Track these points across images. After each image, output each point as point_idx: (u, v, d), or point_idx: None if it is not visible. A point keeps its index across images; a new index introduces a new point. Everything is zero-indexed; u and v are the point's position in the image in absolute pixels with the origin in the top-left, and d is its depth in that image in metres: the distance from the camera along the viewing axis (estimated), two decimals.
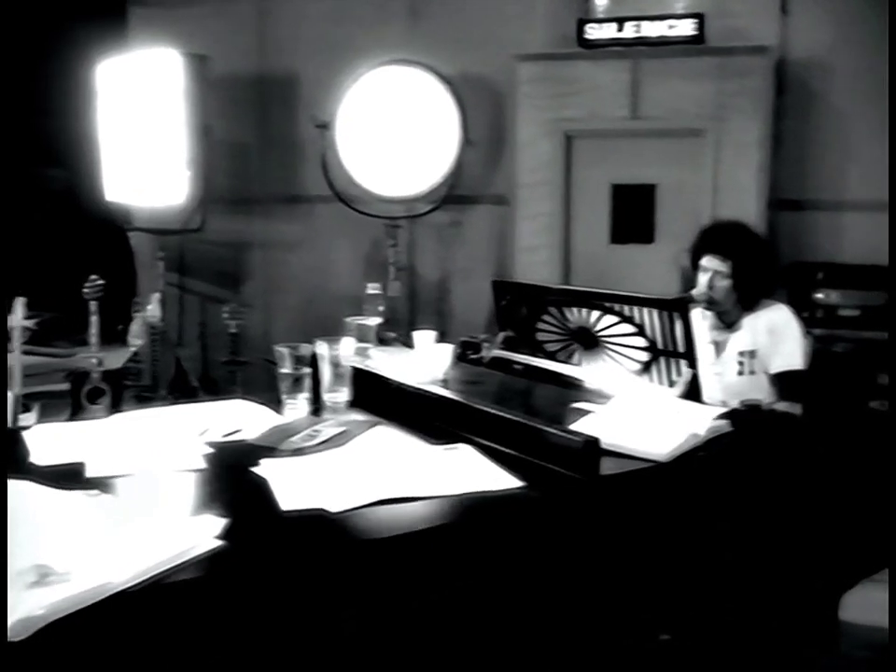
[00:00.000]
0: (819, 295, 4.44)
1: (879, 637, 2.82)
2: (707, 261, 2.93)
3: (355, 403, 2.14)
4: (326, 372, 2.16)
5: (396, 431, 1.94)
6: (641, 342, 2.28)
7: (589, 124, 4.72)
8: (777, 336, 2.89)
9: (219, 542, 1.25)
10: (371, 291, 2.85)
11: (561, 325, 2.47)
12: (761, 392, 2.86)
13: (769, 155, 4.54)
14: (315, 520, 1.40)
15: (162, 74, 4.73)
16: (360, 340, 2.43)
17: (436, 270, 5.49)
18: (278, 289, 5.71)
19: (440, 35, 5.07)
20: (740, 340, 2.94)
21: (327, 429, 1.89)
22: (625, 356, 2.33)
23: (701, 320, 2.96)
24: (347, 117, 4.91)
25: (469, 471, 1.62)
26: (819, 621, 2.18)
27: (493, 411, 1.82)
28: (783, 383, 2.85)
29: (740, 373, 2.91)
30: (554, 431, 1.68)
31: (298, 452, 1.76)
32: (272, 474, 1.59)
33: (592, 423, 1.82)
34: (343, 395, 2.16)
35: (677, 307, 2.15)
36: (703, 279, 2.93)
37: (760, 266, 2.91)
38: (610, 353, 2.37)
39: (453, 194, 5.01)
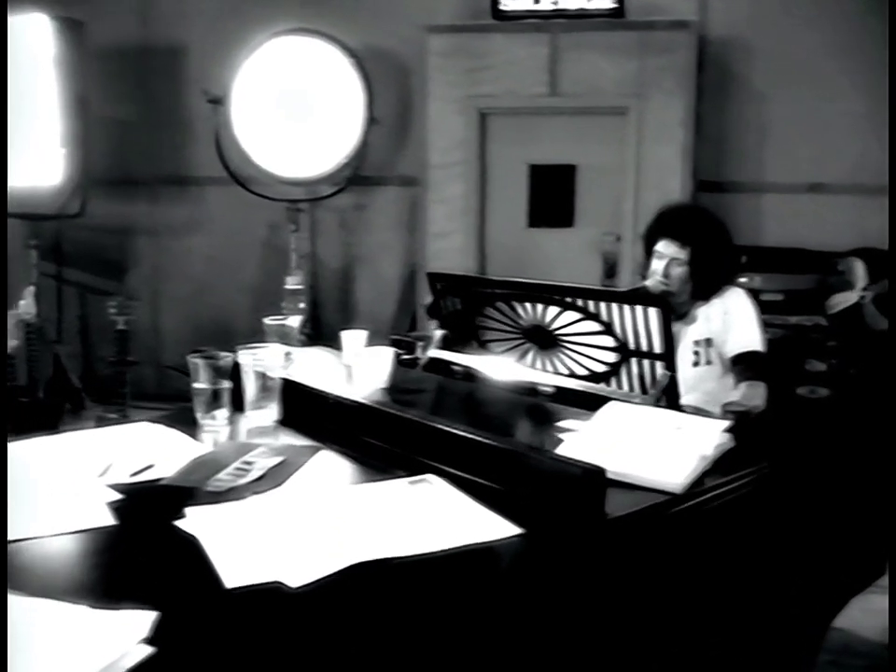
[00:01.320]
0: (742, 279, 4.29)
1: (838, 638, 2.69)
2: (663, 247, 2.68)
3: (285, 422, 1.83)
4: (250, 386, 1.83)
5: (342, 459, 1.62)
6: (609, 341, 2.02)
7: (505, 101, 4.49)
8: (731, 318, 2.67)
9: (149, 649, 0.92)
10: (291, 286, 2.50)
11: (511, 322, 2.19)
12: (715, 383, 2.65)
13: (693, 134, 4.37)
14: (270, 597, 1.07)
15: (31, 41, 4.28)
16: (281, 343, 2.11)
17: (339, 257, 5.19)
18: (167, 279, 5.30)
19: (343, 4, 4.73)
20: (695, 331, 2.71)
21: (260, 460, 1.56)
22: (590, 357, 2.07)
23: None
24: (242, 91, 4.58)
25: (450, 515, 1.31)
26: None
27: (466, 434, 1.51)
28: (742, 363, 2.62)
29: (695, 364, 2.68)
30: (546, 459, 1.40)
31: (229, 494, 1.42)
32: (202, 531, 1.24)
33: (578, 445, 1.54)
34: (272, 413, 1.83)
35: (656, 303, 1.89)
36: (658, 266, 2.68)
37: (720, 254, 2.69)
38: (571, 354, 2.10)
39: (357, 175, 4.74)
